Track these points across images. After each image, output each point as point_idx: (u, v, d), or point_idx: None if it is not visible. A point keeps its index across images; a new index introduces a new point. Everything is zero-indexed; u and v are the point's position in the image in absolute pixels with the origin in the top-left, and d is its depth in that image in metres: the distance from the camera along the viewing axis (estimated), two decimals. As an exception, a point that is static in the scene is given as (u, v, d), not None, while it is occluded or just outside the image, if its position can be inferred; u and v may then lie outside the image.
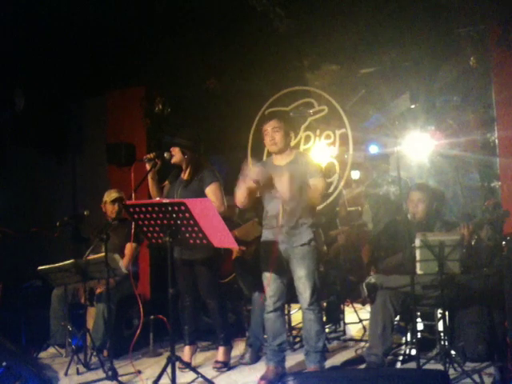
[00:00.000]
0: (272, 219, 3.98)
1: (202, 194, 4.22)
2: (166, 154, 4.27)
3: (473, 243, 4.17)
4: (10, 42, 5.35)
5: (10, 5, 5.00)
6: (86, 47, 5.70)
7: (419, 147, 5.55)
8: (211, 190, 4.25)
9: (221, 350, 4.40)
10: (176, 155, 4.31)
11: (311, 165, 4.00)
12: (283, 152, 4.03)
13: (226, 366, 4.36)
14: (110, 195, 5.14)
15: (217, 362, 4.37)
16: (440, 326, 4.23)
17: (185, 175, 4.37)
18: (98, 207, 5.26)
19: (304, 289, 3.88)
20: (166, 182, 4.50)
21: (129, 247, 4.97)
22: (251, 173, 3.81)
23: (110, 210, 5.11)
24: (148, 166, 4.28)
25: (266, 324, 4.08)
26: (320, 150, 5.74)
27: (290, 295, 4.16)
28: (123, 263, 4.78)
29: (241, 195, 3.94)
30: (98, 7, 5.20)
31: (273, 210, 3.97)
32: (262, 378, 3.94)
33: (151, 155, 4.27)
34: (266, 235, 4.04)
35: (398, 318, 4.41)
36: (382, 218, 5.68)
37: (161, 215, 3.55)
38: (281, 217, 3.91)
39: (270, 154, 6.03)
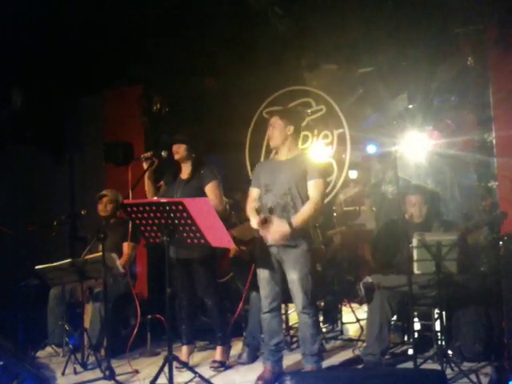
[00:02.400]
0: (265, 213, 3.91)
1: (202, 192, 4.22)
2: (163, 153, 4.26)
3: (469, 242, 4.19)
4: (9, 40, 5.33)
5: (9, 4, 4.99)
6: (84, 46, 5.68)
7: (417, 147, 5.55)
8: (211, 189, 4.25)
9: (218, 349, 4.40)
10: (180, 153, 4.30)
11: (310, 166, 3.90)
12: (282, 148, 3.98)
13: (223, 365, 4.35)
14: (99, 194, 5.17)
15: (214, 361, 4.37)
16: (437, 326, 4.24)
17: (184, 174, 4.37)
18: (96, 206, 5.25)
19: (297, 293, 3.84)
20: (162, 183, 4.48)
21: (126, 246, 4.97)
22: (253, 224, 3.90)
23: (99, 207, 5.13)
24: (145, 165, 4.27)
25: (263, 324, 4.07)
26: (318, 150, 5.74)
27: (286, 295, 4.14)
28: (121, 262, 4.79)
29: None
30: (96, 6, 5.19)
31: (267, 204, 3.92)
32: (259, 378, 3.94)
33: (148, 154, 4.27)
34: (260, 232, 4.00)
35: (395, 317, 4.41)
36: (384, 216, 5.69)
37: (158, 214, 3.54)
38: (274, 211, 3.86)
39: (268, 152, 6.10)
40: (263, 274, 3.97)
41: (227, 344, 4.46)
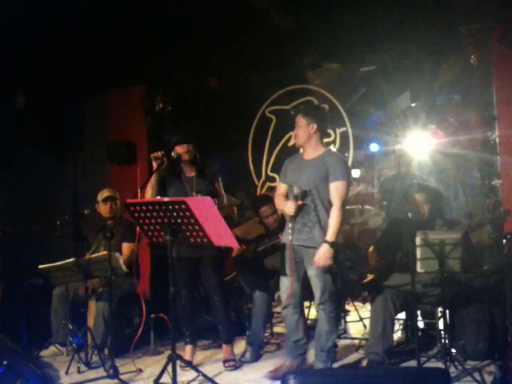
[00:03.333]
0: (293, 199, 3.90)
1: (213, 188, 4.35)
2: (173, 153, 4.26)
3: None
4: (12, 41, 5.35)
5: (11, 4, 5.00)
6: (87, 46, 5.70)
7: (420, 145, 5.54)
8: (220, 185, 4.41)
9: (227, 347, 4.40)
10: (192, 152, 4.33)
11: (332, 166, 3.83)
12: (308, 147, 3.96)
13: (235, 362, 4.38)
14: (102, 194, 5.12)
15: (227, 360, 4.34)
16: (441, 325, 4.24)
17: (191, 172, 4.37)
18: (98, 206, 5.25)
19: (315, 287, 3.88)
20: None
21: (126, 247, 4.97)
22: (288, 210, 3.83)
23: (103, 209, 5.09)
24: (155, 165, 4.25)
25: (284, 320, 4.14)
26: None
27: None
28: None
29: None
30: (98, 6, 5.20)
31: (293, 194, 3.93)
32: (272, 370, 4.00)
33: (159, 154, 4.26)
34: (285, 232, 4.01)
35: (398, 316, 4.40)
36: (394, 212, 5.66)
37: (161, 214, 3.55)
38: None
39: (270, 151, 6.12)
40: (282, 271, 4.01)
41: (232, 342, 4.48)
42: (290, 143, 4.09)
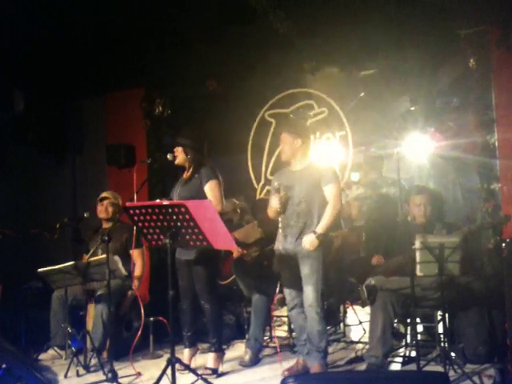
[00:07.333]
0: (285, 219, 4.07)
1: (201, 192, 4.17)
2: (168, 156, 4.26)
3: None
4: (10, 42, 5.35)
5: (10, 5, 5.00)
6: (86, 48, 5.70)
7: (419, 149, 5.54)
8: (209, 188, 4.17)
9: (212, 356, 4.25)
10: (179, 156, 4.27)
11: (323, 172, 4.07)
12: (294, 160, 4.16)
13: (215, 372, 4.20)
14: (100, 196, 5.15)
15: (206, 368, 4.21)
16: (440, 328, 4.23)
17: (185, 174, 4.35)
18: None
19: (306, 286, 3.95)
20: None
21: (136, 253, 4.97)
22: (273, 203, 4.01)
23: (100, 210, 5.10)
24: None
25: (291, 321, 4.28)
26: (320, 152, 5.74)
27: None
28: (138, 271, 4.92)
29: (275, 213, 4.11)
30: (98, 8, 5.20)
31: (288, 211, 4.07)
32: (288, 369, 4.08)
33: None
34: (280, 239, 4.11)
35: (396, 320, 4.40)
36: (376, 218, 5.65)
37: (161, 217, 3.54)
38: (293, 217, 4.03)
39: (269, 154, 6.13)
40: (284, 273, 4.14)
41: (221, 351, 4.32)
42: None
